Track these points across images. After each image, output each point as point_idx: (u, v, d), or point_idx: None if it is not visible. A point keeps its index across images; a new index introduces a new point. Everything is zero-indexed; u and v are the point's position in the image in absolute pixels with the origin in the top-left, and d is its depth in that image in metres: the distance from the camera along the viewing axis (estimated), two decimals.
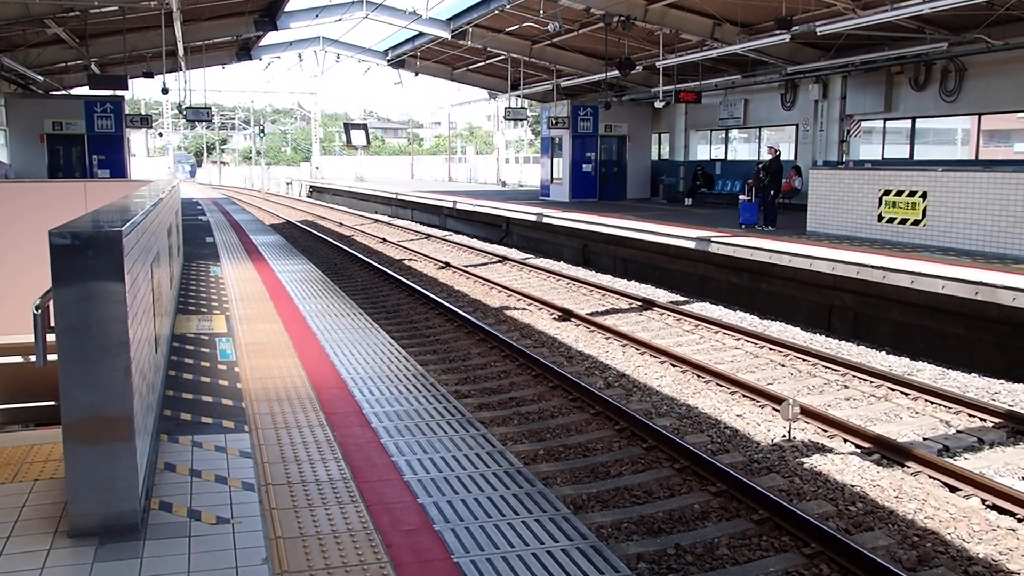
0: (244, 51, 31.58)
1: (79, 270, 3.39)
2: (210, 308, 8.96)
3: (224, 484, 4.14)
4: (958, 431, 8.07)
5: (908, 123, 20.62)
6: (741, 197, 18.36)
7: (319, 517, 3.84)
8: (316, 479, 4.29)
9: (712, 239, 15.12)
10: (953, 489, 6.64)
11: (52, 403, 7.00)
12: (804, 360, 10.61)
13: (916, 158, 20.36)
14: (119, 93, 25.20)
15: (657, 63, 23.18)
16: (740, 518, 6.18)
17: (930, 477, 6.86)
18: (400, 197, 36.18)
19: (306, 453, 4.66)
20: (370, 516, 3.86)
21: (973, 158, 19.26)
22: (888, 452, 7.37)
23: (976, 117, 19.19)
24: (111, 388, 3.47)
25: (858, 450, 7.54)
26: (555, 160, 29.58)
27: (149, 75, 25.84)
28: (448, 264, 19.64)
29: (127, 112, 27.02)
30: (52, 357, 3.53)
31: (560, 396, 9.24)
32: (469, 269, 18.65)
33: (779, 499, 6.14)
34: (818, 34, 16.94)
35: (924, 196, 13.87)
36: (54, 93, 30.00)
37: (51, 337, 3.54)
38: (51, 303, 3.45)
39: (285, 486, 4.19)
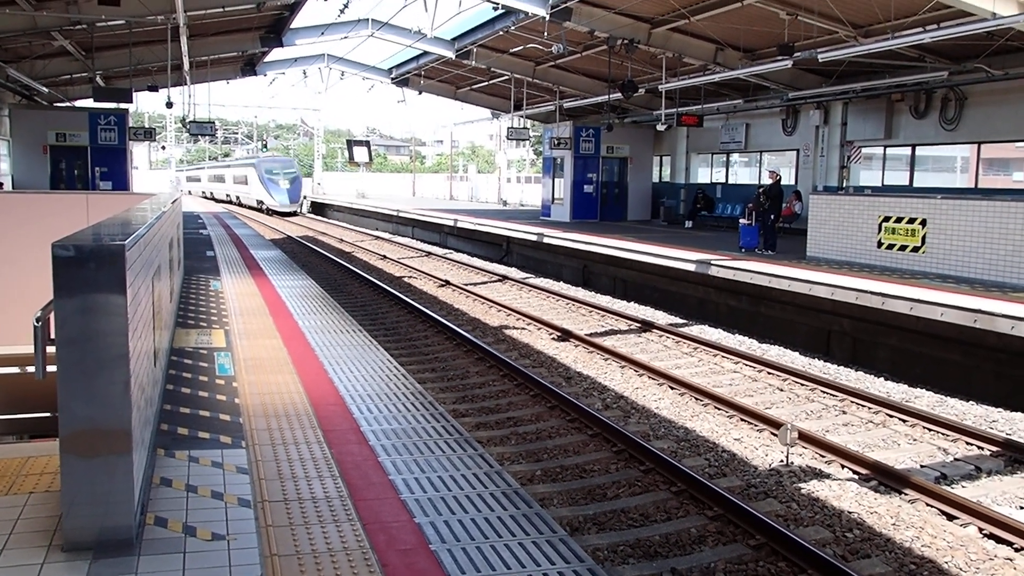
0: (249, 66, 31.77)
1: (81, 283, 3.39)
2: (209, 322, 8.96)
3: (220, 500, 4.13)
4: (956, 459, 8.05)
5: (908, 150, 20.70)
6: (741, 221, 18.40)
7: (315, 535, 3.82)
8: (313, 496, 4.27)
9: (712, 262, 15.15)
10: (951, 517, 6.62)
11: (49, 415, 6.99)
12: (802, 385, 10.60)
13: (916, 185, 20.43)
14: (123, 106, 25.31)
15: (660, 86, 23.31)
16: (737, 543, 6.16)
17: (928, 505, 6.84)
18: (401, 214, 36.25)
19: (303, 470, 4.64)
20: (366, 535, 3.84)
21: (972, 186, 19.33)
22: (886, 479, 7.35)
23: (976, 146, 19.28)
24: (109, 401, 3.47)
25: (856, 476, 7.52)
26: (556, 180, 29.67)
27: (154, 88, 25.95)
28: (448, 282, 19.65)
29: (131, 125, 27.12)
30: (51, 369, 3.53)
31: (558, 417, 9.22)
32: (469, 288, 18.65)
33: (776, 524, 6.12)
34: (820, 61, 17.04)
35: (923, 223, 13.91)
36: (58, 104, 30.12)
37: (51, 349, 3.54)
38: (52, 315, 3.46)
39: (281, 503, 4.18)
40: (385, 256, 26.12)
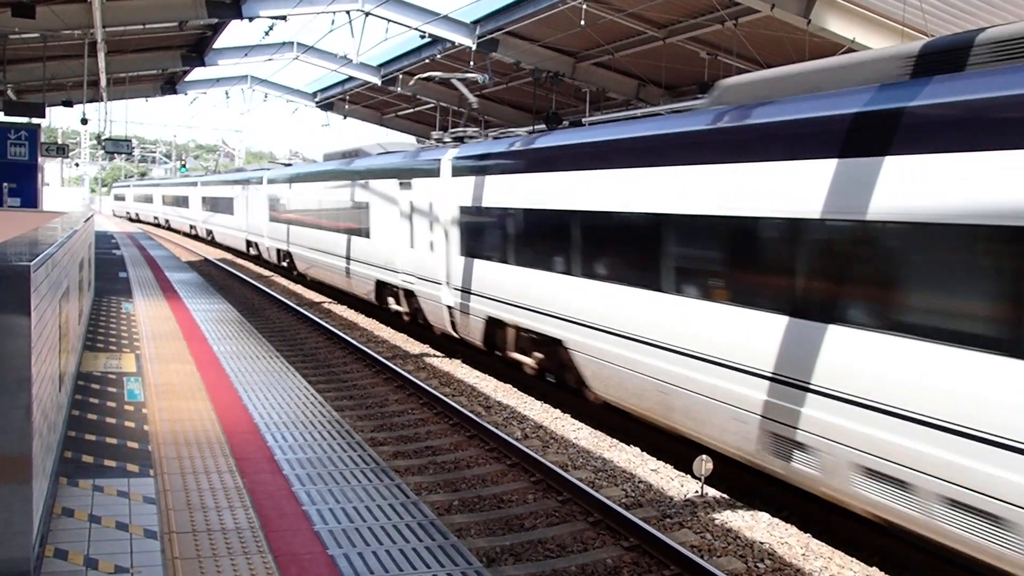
0: (169, 85, 31.15)
1: None
2: (120, 346, 8.69)
3: (125, 531, 3.99)
4: None
5: None
6: None
7: (224, 568, 3.72)
8: (223, 527, 4.17)
9: None
10: (856, 547, 6.80)
11: None
12: None
13: None
14: (35, 121, 24.51)
15: (583, 119, 23.64)
16: (652, 574, 6.21)
17: (834, 536, 7.02)
18: None
19: (213, 500, 4.52)
20: (277, 567, 3.76)
21: None
22: (795, 510, 7.51)
23: None
24: (9, 427, 3.33)
25: (768, 507, 7.67)
26: None
27: (68, 104, 25.22)
28: (369, 308, 19.45)
29: (43, 140, 26.24)
30: None
31: (477, 446, 9.19)
32: (390, 313, 18.48)
33: (691, 555, 6.20)
34: None
35: None
36: None
37: None
38: None
39: (190, 534, 4.06)
40: (304, 279, 25.73)
